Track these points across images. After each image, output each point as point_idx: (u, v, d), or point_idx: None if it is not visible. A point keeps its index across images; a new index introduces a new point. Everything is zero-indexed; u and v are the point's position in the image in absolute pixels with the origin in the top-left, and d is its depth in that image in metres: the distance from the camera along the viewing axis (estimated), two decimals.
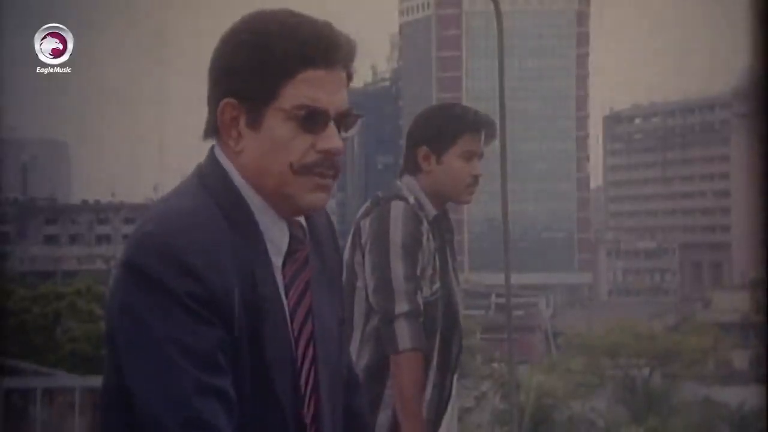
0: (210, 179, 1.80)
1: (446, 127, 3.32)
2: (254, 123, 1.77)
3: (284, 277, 1.81)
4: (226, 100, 1.77)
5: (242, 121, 1.78)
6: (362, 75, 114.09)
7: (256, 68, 1.75)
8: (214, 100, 1.80)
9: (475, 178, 3.34)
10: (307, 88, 1.75)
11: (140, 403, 1.68)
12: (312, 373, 1.83)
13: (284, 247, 1.81)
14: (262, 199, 1.79)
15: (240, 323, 1.72)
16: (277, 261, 1.80)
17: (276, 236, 1.81)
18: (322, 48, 1.76)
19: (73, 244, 77.71)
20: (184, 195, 1.79)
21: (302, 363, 1.82)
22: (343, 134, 1.81)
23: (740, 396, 36.00)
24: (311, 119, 1.76)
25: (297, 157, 1.76)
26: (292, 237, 1.83)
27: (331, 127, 1.77)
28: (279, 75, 1.75)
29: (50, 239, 77.61)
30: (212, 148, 1.83)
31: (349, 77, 1.82)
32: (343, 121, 1.80)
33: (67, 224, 79.51)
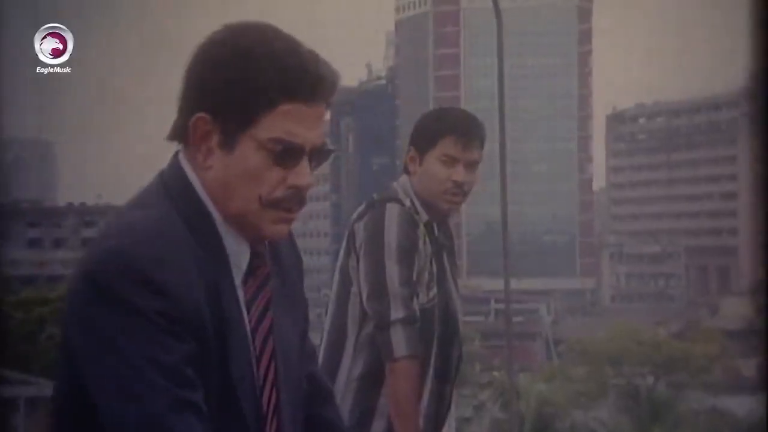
0: (174, 189, 1.77)
1: (428, 129, 3.34)
2: (226, 145, 1.75)
3: (245, 294, 1.81)
4: (199, 114, 1.75)
5: (214, 139, 1.75)
6: (357, 73, 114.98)
7: (236, 92, 1.73)
8: (186, 107, 1.77)
9: (457, 185, 3.29)
10: (285, 122, 1.74)
11: (112, 421, 1.66)
12: (273, 393, 1.84)
13: (245, 263, 1.81)
14: (222, 218, 1.78)
15: (209, 339, 1.72)
16: (238, 277, 1.80)
17: (237, 252, 1.80)
18: (307, 83, 1.74)
19: (57, 248, 77.46)
20: (148, 206, 1.76)
21: (264, 382, 1.82)
22: (314, 169, 1.81)
23: (748, 405, 35.93)
24: (286, 155, 1.75)
25: (267, 190, 1.75)
26: (253, 254, 1.82)
27: (304, 162, 1.77)
28: (259, 104, 1.73)
29: (34, 243, 77.53)
30: (176, 155, 1.81)
31: (328, 107, 1.80)
32: (316, 155, 1.79)
33: (52, 228, 79.57)
